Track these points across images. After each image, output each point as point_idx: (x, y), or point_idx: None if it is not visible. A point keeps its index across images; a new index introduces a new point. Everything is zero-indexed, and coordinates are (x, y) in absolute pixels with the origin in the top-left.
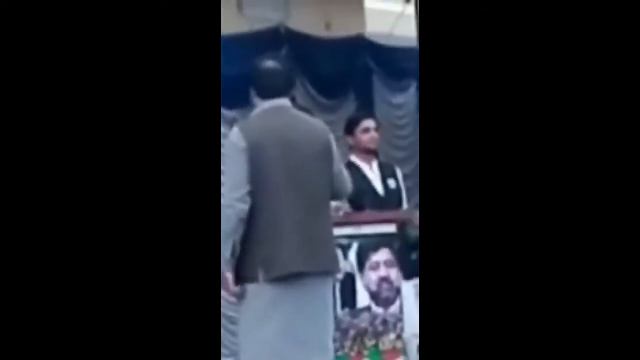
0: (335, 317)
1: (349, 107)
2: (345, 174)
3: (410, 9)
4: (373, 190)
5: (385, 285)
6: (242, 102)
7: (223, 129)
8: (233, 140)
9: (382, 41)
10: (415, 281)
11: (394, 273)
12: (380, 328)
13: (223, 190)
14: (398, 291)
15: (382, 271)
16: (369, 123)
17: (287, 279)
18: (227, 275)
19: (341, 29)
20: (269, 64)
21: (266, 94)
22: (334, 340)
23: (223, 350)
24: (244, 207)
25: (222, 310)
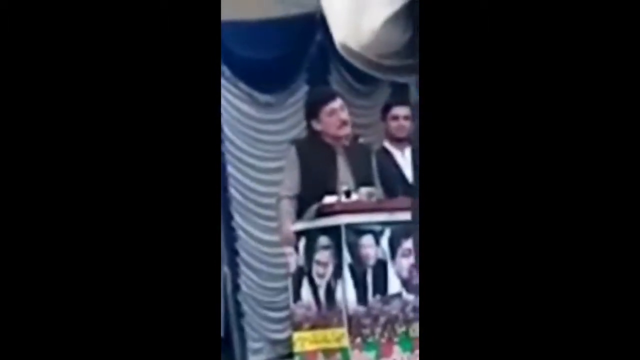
0: (367, 303)
1: (384, 93)
2: None
3: None
4: (403, 177)
5: (417, 273)
6: (277, 87)
7: (258, 113)
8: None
9: None
10: None
11: None
12: (411, 315)
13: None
14: None
15: (414, 258)
16: (398, 111)
17: None
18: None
19: None
20: None
21: None
22: (365, 327)
23: (253, 334)
24: None
25: (257, 296)
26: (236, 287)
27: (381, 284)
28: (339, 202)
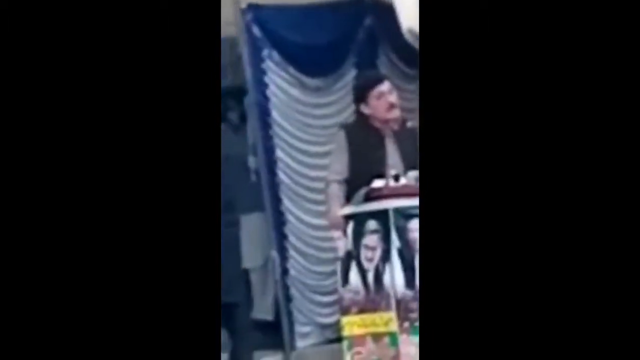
0: (415, 287)
1: None
2: None
3: None
4: None
5: None
6: (325, 71)
7: (306, 98)
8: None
9: None
10: None
11: None
12: None
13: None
14: None
15: None
16: None
17: None
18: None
19: None
20: None
21: None
22: (413, 311)
23: (301, 318)
24: None
25: (306, 280)
26: (285, 271)
27: None
28: (387, 186)
